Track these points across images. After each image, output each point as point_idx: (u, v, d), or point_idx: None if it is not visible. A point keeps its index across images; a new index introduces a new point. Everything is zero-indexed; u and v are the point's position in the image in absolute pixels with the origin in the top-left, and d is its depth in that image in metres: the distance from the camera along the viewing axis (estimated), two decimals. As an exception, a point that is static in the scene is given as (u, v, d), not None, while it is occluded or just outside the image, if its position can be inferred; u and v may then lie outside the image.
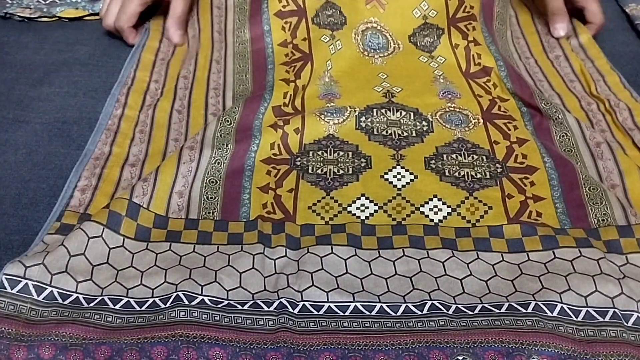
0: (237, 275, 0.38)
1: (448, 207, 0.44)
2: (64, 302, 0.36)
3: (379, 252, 0.41)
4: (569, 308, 0.37)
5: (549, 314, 0.36)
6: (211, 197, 0.44)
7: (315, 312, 0.37)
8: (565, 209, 0.44)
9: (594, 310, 0.37)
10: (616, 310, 0.37)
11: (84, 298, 0.37)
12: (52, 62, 0.58)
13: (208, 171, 0.46)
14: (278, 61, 0.58)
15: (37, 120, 0.51)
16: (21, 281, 0.36)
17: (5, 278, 0.36)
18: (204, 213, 0.43)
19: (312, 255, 0.40)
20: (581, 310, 0.37)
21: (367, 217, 0.44)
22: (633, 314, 0.36)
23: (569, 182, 0.45)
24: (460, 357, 0.35)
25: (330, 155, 0.48)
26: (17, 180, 0.45)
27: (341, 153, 0.48)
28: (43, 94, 0.54)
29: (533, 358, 0.35)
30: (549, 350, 0.35)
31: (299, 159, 0.48)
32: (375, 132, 0.50)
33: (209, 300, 0.37)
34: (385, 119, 0.52)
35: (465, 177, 0.47)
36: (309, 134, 0.50)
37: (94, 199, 0.43)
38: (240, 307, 0.37)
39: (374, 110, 0.52)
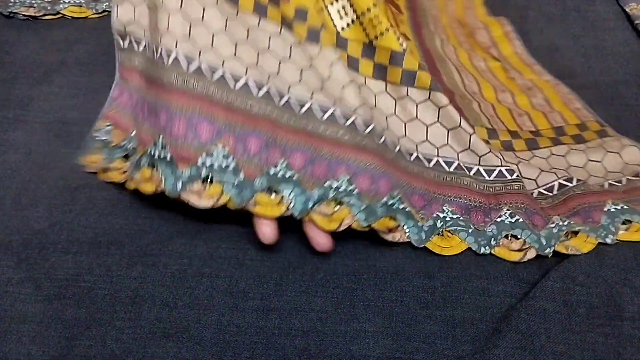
0: (233, 43, 0.39)
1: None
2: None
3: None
4: (484, 169, 0.45)
5: (467, 172, 0.44)
6: None
7: (296, 111, 0.39)
8: None
9: (505, 170, 0.45)
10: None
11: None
12: (52, 62, 0.58)
13: None
14: None
15: (37, 120, 0.51)
16: None
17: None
18: None
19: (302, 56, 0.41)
20: (494, 170, 0.45)
21: (342, 29, 0.44)
22: (532, 183, 0.46)
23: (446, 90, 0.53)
24: (395, 192, 0.41)
25: None
26: (17, 180, 0.46)
27: None
28: (43, 93, 0.54)
29: (445, 206, 0.43)
30: (459, 200, 0.43)
31: None
32: None
33: (207, 64, 0.38)
34: None
35: None
36: None
37: None
38: (232, 86, 0.38)
39: None
